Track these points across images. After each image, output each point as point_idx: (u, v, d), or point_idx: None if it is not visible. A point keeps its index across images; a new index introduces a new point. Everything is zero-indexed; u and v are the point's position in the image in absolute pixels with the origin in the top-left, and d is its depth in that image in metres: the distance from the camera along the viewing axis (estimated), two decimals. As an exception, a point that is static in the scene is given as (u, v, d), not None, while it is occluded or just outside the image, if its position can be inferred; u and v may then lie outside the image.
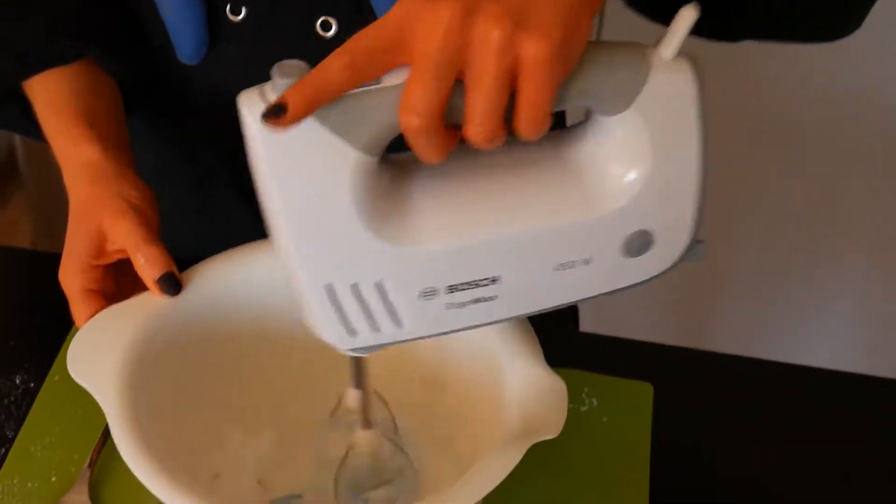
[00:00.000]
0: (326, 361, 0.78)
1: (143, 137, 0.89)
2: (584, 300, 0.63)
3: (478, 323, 0.62)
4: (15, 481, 0.79)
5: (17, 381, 0.86)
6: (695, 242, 0.63)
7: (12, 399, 0.85)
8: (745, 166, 1.65)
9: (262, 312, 0.77)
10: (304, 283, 0.59)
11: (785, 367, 0.92)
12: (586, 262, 0.61)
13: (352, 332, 0.61)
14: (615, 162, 0.59)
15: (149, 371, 0.70)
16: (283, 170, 0.55)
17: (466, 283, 0.60)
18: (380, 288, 0.59)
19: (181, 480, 0.64)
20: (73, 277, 0.73)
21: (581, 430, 0.82)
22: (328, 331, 0.61)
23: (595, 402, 0.85)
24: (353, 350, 0.63)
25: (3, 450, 0.81)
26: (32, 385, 0.85)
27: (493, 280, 0.60)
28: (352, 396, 0.71)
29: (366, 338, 0.61)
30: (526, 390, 0.69)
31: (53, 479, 0.79)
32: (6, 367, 0.87)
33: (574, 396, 0.84)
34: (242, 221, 0.89)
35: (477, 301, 0.61)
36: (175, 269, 0.73)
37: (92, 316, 0.72)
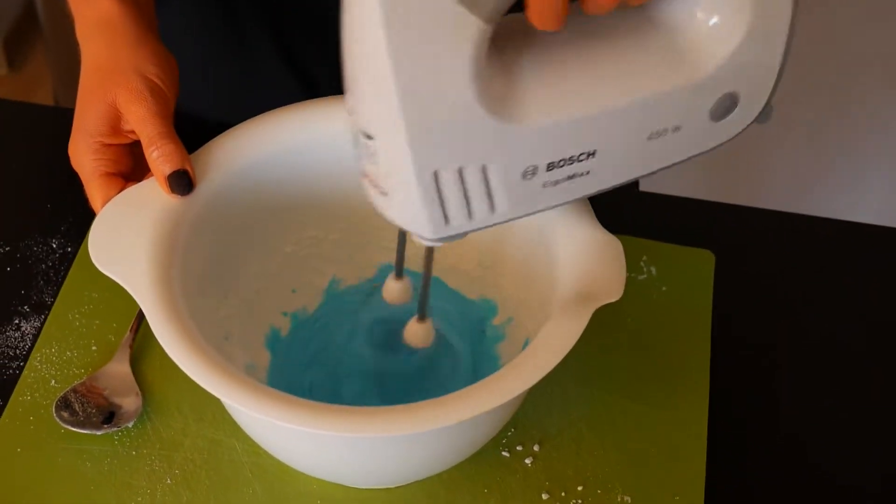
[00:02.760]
0: (364, 234, 0.75)
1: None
2: (665, 168, 0.61)
3: (566, 199, 0.60)
4: (54, 350, 0.77)
5: (55, 245, 0.83)
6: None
7: (50, 264, 0.82)
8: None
9: (297, 181, 0.73)
10: (412, 170, 0.55)
11: (848, 225, 0.88)
12: (676, 128, 0.59)
13: (446, 219, 0.58)
14: (714, 16, 0.56)
15: (178, 255, 0.66)
16: (404, 46, 0.51)
17: (566, 159, 0.58)
18: (483, 171, 0.56)
19: (224, 368, 0.61)
20: (85, 158, 0.68)
21: (639, 299, 0.79)
22: (419, 220, 0.58)
23: (654, 270, 0.81)
24: (439, 239, 0.59)
25: (43, 317, 0.78)
26: (70, 249, 0.82)
27: (591, 154, 0.58)
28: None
29: (458, 225, 0.58)
30: (580, 252, 0.66)
31: (94, 348, 0.77)
32: (42, 231, 0.84)
33: (632, 265, 0.81)
34: (282, 89, 0.84)
35: (571, 177, 0.59)
36: (190, 167, 0.68)
37: (109, 199, 0.67)
